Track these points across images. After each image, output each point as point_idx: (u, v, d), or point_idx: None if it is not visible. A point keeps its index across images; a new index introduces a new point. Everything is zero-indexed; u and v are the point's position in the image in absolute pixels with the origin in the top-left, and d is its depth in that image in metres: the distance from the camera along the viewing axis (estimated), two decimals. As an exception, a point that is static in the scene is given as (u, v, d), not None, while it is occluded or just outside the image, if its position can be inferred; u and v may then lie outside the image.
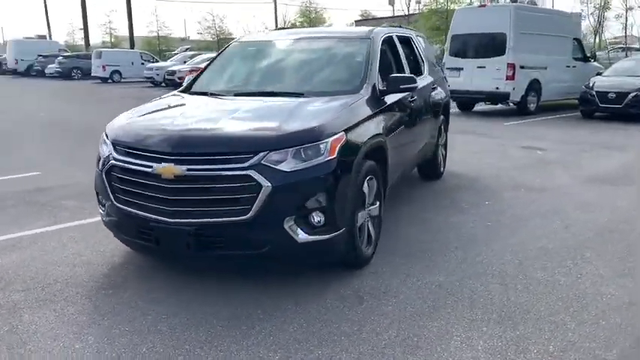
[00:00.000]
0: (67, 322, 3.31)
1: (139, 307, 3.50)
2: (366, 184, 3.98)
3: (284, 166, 3.41)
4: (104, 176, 3.80)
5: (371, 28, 5.18)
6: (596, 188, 6.41)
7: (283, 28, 5.98)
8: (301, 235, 3.48)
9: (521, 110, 14.11)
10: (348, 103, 4.08)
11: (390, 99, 4.67)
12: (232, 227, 3.43)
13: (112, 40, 48.31)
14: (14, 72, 38.97)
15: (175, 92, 4.87)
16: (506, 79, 13.48)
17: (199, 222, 3.44)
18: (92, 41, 47.70)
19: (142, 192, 3.58)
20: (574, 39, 15.43)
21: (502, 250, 4.43)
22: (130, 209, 3.67)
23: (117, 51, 35.35)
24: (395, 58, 5.36)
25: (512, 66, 13.39)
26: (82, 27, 44.56)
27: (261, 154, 3.38)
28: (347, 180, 3.64)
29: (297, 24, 32.28)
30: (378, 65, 4.67)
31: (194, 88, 4.91)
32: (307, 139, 3.51)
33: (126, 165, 3.66)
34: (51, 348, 3.02)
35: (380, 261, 4.19)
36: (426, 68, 6.27)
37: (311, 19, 66.10)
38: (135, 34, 40.91)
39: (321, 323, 3.26)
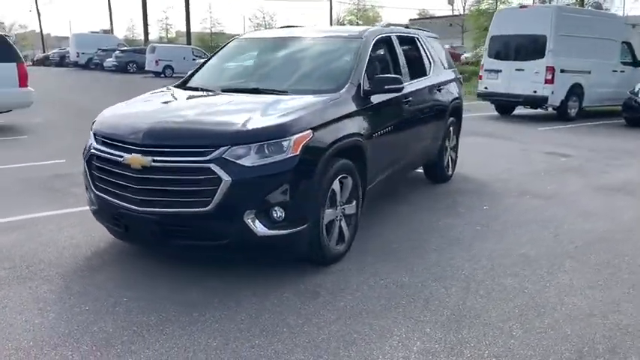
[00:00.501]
0: (36, 299, 3.53)
1: (106, 289, 3.69)
2: (337, 183, 4.04)
3: (245, 161, 3.51)
4: (85, 165, 4.03)
5: (366, 27, 5.20)
6: (607, 197, 6.20)
7: (290, 27, 6.03)
8: (261, 229, 3.57)
9: (561, 115, 13.68)
10: (324, 101, 4.14)
11: (377, 99, 4.69)
12: (194, 218, 3.56)
13: (168, 35, 49.77)
14: (76, 64, 40.86)
15: (170, 86, 5.05)
16: (545, 82, 13.10)
17: (163, 212, 3.59)
18: (151, 37, 49.40)
19: (115, 180, 3.77)
20: (623, 42, 14.80)
21: (479, 254, 4.38)
22: (105, 196, 3.87)
23: (170, 46, 36.44)
24: (392, 58, 5.36)
25: (551, 69, 13.00)
26: (142, 22, 46.12)
27: (223, 148, 3.50)
28: (310, 177, 3.71)
29: (346, 22, 32.14)
30: (365, 65, 4.69)
31: (190, 83, 5.08)
32: (270, 135, 3.60)
33: (102, 154, 3.86)
34: (13, 321, 3.24)
35: (351, 259, 4.24)
36: (432, 69, 6.23)
37: (367, 17, 66.00)
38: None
39: (270, 314, 3.35)
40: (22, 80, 10.60)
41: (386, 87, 4.58)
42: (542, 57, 13.03)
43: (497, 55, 14.07)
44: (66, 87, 23.99)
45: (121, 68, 35.63)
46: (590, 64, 13.69)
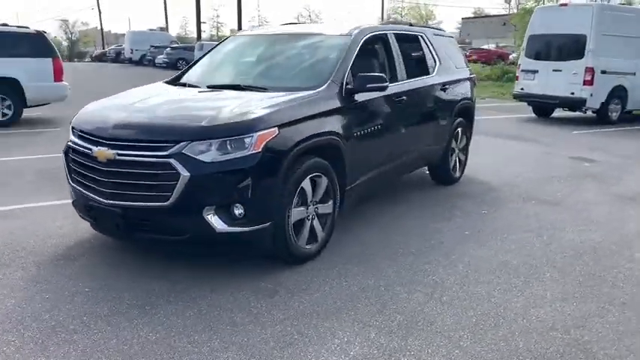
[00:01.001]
0: (4, 286, 3.66)
1: (73, 278, 3.78)
2: (307, 181, 3.99)
3: (205, 157, 3.52)
4: (63, 157, 4.14)
5: (358, 25, 5.10)
6: (618, 206, 5.88)
7: (292, 24, 6.01)
8: (220, 226, 3.58)
9: (601, 119, 13.08)
10: (298, 99, 4.09)
11: (362, 97, 4.60)
12: (155, 212, 3.61)
13: (219, 34, 50.64)
14: (130, 61, 42.19)
15: (161, 82, 5.12)
16: (584, 84, 12.54)
17: (127, 205, 3.65)
18: (204, 35, 50.41)
19: (86, 173, 3.86)
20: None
21: (458, 260, 4.25)
22: (79, 188, 3.97)
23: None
24: (386, 56, 5.25)
25: (590, 70, 12.44)
26: (195, 20, 47.10)
27: (183, 143, 3.52)
28: (273, 175, 3.68)
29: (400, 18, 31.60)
30: (351, 63, 4.61)
31: (182, 79, 5.13)
32: (232, 132, 3.59)
33: (76, 147, 3.96)
34: (-25, 306, 3.37)
35: (324, 259, 4.19)
36: (437, 68, 6.07)
37: (420, 15, 65.15)
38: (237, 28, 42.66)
39: (220, 311, 3.35)
40: (57, 74, 11.01)
41: (368, 85, 4.49)
42: (582, 57, 12.48)
43: (534, 54, 13.57)
44: (112, 82, 24.81)
45: (172, 65, 36.45)
46: (634, 65, 13.02)
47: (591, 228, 5.10)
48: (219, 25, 51.81)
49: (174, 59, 36.59)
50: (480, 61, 28.74)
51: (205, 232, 3.59)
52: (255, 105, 3.93)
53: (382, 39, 5.25)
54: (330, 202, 4.31)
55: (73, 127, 4.12)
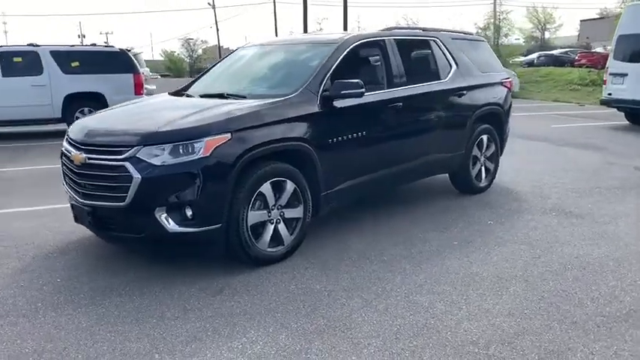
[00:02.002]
0: (-7, 273, 4.14)
1: (54, 270, 4.19)
2: (267, 185, 4.10)
3: (156, 160, 3.76)
4: (60, 161, 4.59)
5: (349, 32, 5.11)
6: (651, 221, 5.31)
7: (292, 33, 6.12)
8: (172, 226, 3.79)
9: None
10: (263, 106, 4.22)
11: (343, 104, 4.62)
12: (116, 212, 3.90)
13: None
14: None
15: (168, 92, 5.46)
16: (679, 88, 11.35)
17: (95, 204, 3.99)
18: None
19: (69, 174, 4.27)
20: None
21: (424, 270, 4.11)
22: (67, 188, 4.39)
23: None
24: (383, 62, 5.19)
25: (686, 73, 11.22)
26: (303, 32, 48.68)
27: (136, 147, 3.79)
28: (223, 178, 3.83)
29: (479, 29, 29.95)
30: (331, 70, 4.64)
31: (189, 89, 5.44)
32: (183, 137, 3.80)
33: (64, 151, 4.38)
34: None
35: (288, 262, 4.27)
36: (452, 73, 5.88)
37: (538, 19, 61.88)
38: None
39: (157, 306, 3.55)
40: (138, 88, 12.01)
41: (343, 92, 4.49)
42: (676, 59, 11.31)
43: (623, 56, 12.50)
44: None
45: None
46: None
47: (599, 243, 4.67)
48: (322, 37, 53.02)
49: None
50: (586, 66, 26.73)
51: (159, 232, 3.82)
52: (216, 112, 4.11)
53: (377, 45, 5.21)
54: (300, 207, 4.37)
55: (66, 133, 4.57)
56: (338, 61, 4.77)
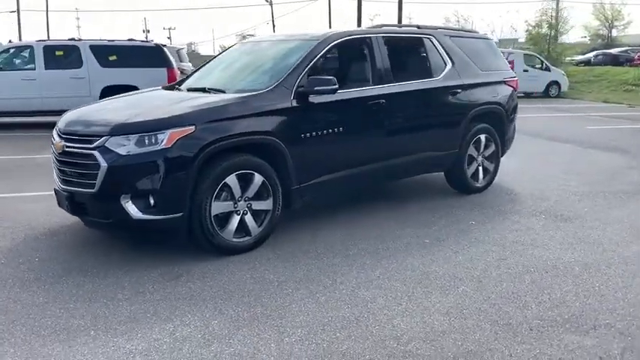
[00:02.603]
0: (-17, 250, 4.47)
1: (37, 249, 4.47)
2: (232, 177, 4.23)
3: (122, 150, 3.97)
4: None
5: (331, 30, 5.16)
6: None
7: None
8: (135, 213, 3.99)
9: None
10: (232, 99, 4.37)
11: (319, 99, 4.69)
12: (87, 197, 4.15)
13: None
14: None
15: (162, 85, 5.68)
16: None
17: (71, 190, 4.25)
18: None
19: (54, 161, 4.55)
20: None
21: (382, 266, 4.15)
22: (54, 174, 4.68)
23: None
24: (368, 59, 5.22)
25: None
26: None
27: (105, 137, 4.01)
28: (184, 169, 4.00)
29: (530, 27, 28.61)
30: (308, 67, 4.72)
31: (182, 84, 5.65)
32: (148, 128, 4.00)
33: (52, 140, 4.67)
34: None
35: (254, 253, 4.37)
36: (446, 70, 5.83)
37: (605, 16, 59.26)
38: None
39: (113, 287, 3.75)
40: (171, 82, 12.39)
41: (316, 88, 4.57)
42: None
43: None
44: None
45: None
46: None
47: (575, 247, 4.56)
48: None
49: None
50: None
51: (124, 218, 4.03)
52: (185, 105, 4.29)
53: (362, 43, 5.25)
54: (270, 200, 4.49)
55: (57, 123, 4.86)
56: (316, 58, 4.85)
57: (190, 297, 3.62)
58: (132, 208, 3.99)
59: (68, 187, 4.27)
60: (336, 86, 4.60)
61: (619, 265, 4.19)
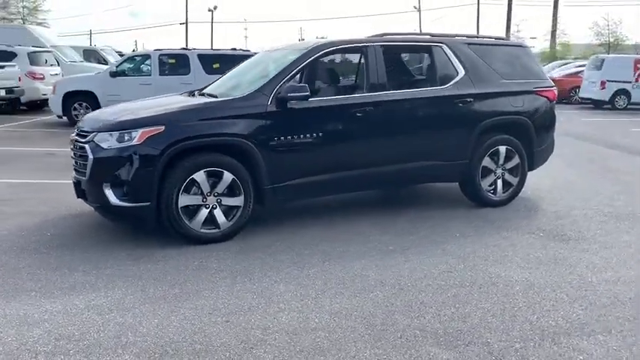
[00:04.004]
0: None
1: (58, 228, 5.29)
2: (201, 174, 4.68)
3: (104, 144, 4.64)
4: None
5: (321, 40, 5.38)
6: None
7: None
8: (113, 199, 4.63)
9: None
10: (207, 103, 4.85)
11: (299, 105, 4.97)
12: (85, 184, 4.87)
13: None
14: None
15: (188, 91, 6.31)
16: None
17: (77, 177, 5.01)
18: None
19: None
20: None
21: (316, 266, 4.31)
22: (74, 164, 5.52)
23: None
24: (362, 67, 5.38)
25: None
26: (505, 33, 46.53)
27: (94, 134, 4.71)
28: (152, 163, 4.53)
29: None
30: (290, 74, 5.02)
31: (204, 89, 6.22)
32: (125, 126, 4.64)
33: (74, 135, 5.50)
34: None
35: (221, 244, 4.76)
36: (457, 79, 5.72)
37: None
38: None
39: (77, 262, 4.35)
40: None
41: (290, 94, 4.85)
42: None
43: None
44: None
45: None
46: None
47: (542, 269, 4.29)
48: (519, 40, 50.09)
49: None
50: None
51: (106, 203, 4.69)
52: (167, 107, 4.86)
53: (354, 52, 5.42)
54: (241, 197, 4.86)
55: (84, 119, 5.70)
56: (301, 67, 5.14)
57: (133, 275, 4.13)
58: (110, 195, 4.62)
59: (76, 176, 5.04)
60: (308, 93, 4.85)
61: (571, 289, 3.90)
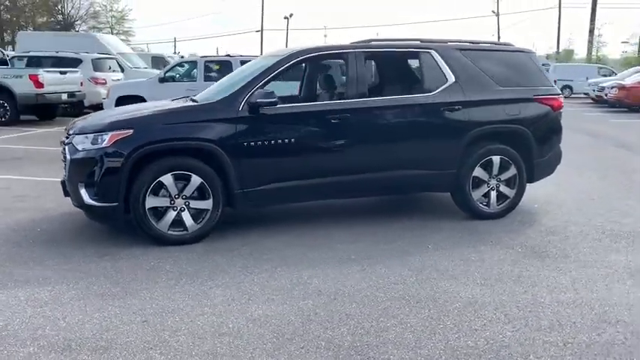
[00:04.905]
0: None
1: (52, 224, 5.64)
2: (168, 177, 4.82)
3: (80, 146, 4.88)
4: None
5: (301, 46, 5.36)
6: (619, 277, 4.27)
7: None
8: (86, 198, 4.86)
9: None
10: (177, 108, 5.00)
11: (274, 111, 5.02)
12: (65, 183, 5.15)
13: (598, 54, 46.03)
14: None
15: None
16: None
17: (63, 177, 5.31)
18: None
19: (65, 154, 5.69)
20: None
21: (274, 273, 4.29)
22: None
23: (570, 65, 34.26)
24: (344, 74, 5.34)
25: None
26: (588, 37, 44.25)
27: (72, 136, 4.97)
28: (118, 165, 4.71)
29: None
30: (263, 81, 5.06)
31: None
32: (98, 129, 4.86)
33: (70, 137, 5.82)
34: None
35: (188, 246, 4.87)
36: (446, 86, 5.52)
37: None
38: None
39: (48, 257, 4.60)
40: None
41: (258, 100, 4.90)
42: None
43: None
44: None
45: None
46: None
47: (496, 285, 4.07)
48: (600, 44, 47.13)
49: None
50: None
51: (82, 202, 4.93)
52: (141, 112, 5.03)
53: (334, 58, 5.39)
54: (210, 200, 4.96)
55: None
56: (275, 73, 5.16)
57: (88, 272, 4.31)
58: (85, 194, 4.85)
59: (64, 175, 5.33)
60: (275, 99, 4.88)
61: (515, 309, 3.68)
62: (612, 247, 4.95)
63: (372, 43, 5.65)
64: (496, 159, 5.70)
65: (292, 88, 6.71)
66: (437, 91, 5.53)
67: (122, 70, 18.60)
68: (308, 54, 5.32)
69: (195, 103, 5.08)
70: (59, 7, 54.64)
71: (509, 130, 5.75)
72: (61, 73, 14.89)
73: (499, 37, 71.91)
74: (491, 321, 3.50)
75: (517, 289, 4.00)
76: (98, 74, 16.79)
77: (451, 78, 5.58)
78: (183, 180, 4.87)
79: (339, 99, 5.30)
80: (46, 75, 14.15)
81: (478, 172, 5.68)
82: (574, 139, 12.74)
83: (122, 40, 60.32)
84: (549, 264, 4.53)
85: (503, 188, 5.82)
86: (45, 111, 15.22)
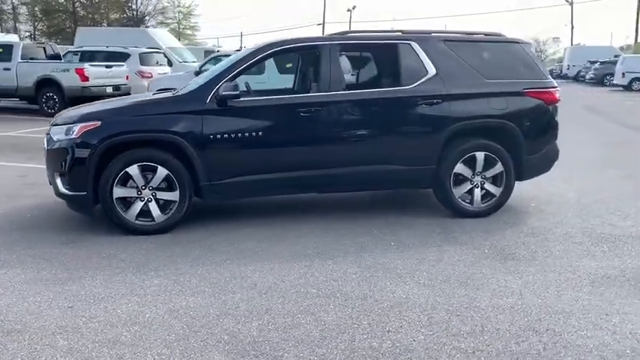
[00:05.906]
0: None
1: (42, 210, 5.92)
2: (134, 168, 4.94)
3: (55, 137, 5.09)
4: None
5: (275, 39, 5.31)
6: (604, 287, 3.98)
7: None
8: (61, 187, 5.07)
9: None
10: (145, 100, 5.12)
11: (243, 104, 5.04)
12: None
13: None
14: (565, 77, 41.07)
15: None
16: None
17: (48, 167, 5.57)
18: None
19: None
20: None
21: (218, 266, 4.31)
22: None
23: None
24: (313, 67, 5.28)
25: None
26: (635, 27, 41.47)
27: (50, 127, 5.19)
28: (85, 156, 4.87)
29: None
30: (233, 73, 5.07)
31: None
32: (69, 121, 5.05)
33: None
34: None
35: (154, 236, 4.98)
36: (425, 79, 5.33)
37: None
38: None
39: (18, 243, 4.81)
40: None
41: (223, 93, 4.92)
42: None
43: None
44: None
45: (598, 80, 34.06)
46: None
47: (444, 288, 3.88)
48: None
49: (600, 74, 33.99)
50: None
51: (57, 190, 5.14)
52: (112, 104, 5.19)
53: (306, 50, 5.30)
54: (177, 192, 5.04)
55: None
56: (245, 65, 5.16)
57: (47, 258, 4.47)
58: (59, 183, 5.06)
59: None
60: (238, 92, 4.89)
61: (443, 312, 3.51)
62: (589, 252, 4.62)
63: (348, 35, 5.53)
64: (480, 155, 5.45)
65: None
66: (415, 84, 5.34)
67: (170, 64, 19.21)
68: (276, 47, 5.28)
69: (165, 95, 5.16)
70: (130, 3, 56.99)
71: (494, 125, 5.49)
72: (107, 67, 15.53)
73: (572, 27, 68.57)
74: (410, 323, 3.36)
75: (458, 292, 3.82)
76: (144, 68, 17.39)
77: (432, 70, 5.37)
78: (150, 171, 4.97)
79: (313, 92, 5.21)
80: (91, 69, 14.81)
81: (460, 168, 5.46)
82: (617, 135, 12.00)
83: (188, 35, 61.95)
84: (509, 267, 4.30)
85: (488, 186, 5.56)
86: (92, 103, 15.97)
